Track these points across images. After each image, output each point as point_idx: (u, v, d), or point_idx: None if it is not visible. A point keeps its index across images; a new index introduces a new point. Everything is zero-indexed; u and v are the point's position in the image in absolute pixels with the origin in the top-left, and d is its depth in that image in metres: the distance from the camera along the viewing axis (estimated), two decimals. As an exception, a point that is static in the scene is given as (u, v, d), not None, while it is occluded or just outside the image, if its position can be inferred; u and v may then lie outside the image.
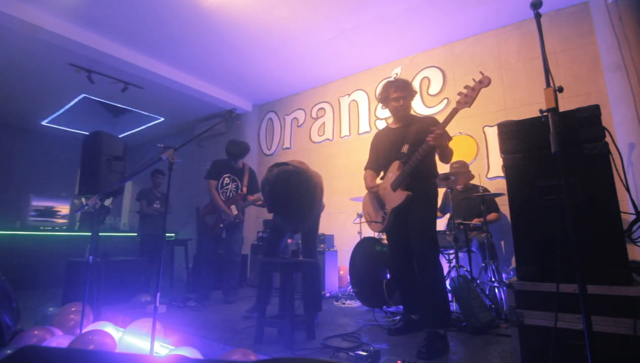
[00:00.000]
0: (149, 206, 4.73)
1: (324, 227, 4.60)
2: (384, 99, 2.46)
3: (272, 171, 2.31)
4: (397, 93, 2.37)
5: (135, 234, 5.00)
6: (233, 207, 3.41)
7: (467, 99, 1.98)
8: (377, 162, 2.54)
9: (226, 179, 3.54)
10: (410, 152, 2.22)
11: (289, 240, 2.45)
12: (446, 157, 2.25)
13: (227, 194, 3.49)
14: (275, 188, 2.25)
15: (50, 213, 5.57)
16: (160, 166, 4.57)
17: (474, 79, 1.97)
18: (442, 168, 2.61)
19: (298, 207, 2.28)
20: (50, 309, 2.81)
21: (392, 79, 2.58)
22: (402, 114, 2.42)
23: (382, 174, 2.51)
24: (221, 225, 3.40)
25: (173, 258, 5.25)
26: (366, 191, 2.52)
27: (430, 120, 2.34)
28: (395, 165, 2.30)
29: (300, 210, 2.32)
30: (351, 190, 4.55)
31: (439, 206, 3.79)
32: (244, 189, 3.49)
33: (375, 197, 2.41)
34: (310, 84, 5.61)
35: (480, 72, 1.96)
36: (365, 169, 2.59)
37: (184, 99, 5.80)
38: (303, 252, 2.96)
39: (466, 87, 2.00)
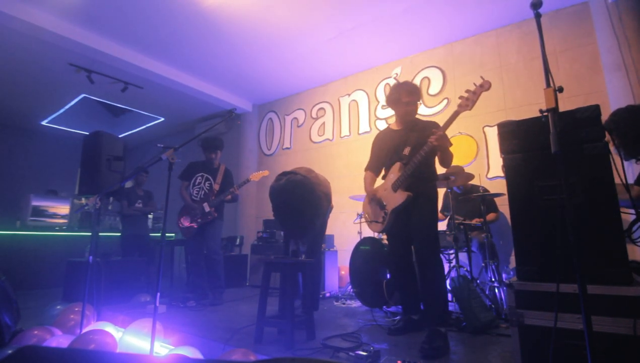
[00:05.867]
0: (130, 206, 4.57)
1: (324, 227, 4.60)
2: (395, 100, 2.42)
3: (279, 181, 2.41)
4: (410, 98, 2.36)
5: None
6: (206, 204, 3.43)
7: (468, 102, 2.02)
8: (378, 163, 2.55)
9: (199, 178, 3.58)
10: (412, 155, 2.24)
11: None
12: (446, 160, 2.28)
13: (200, 193, 3.53)
14: (279, 198, 2.37)
15: (51, 213, 5.57)
16: (154, 165, 4.55)
17: (474, 83, 2.02)
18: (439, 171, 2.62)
19: (299, 219, 2.36)
20: (58, 307, 2.81)
21: (401, 80, 2.57)
22: (409, 118, 2.43)
23: (382, 174, 2.52)
24: (195, 224, 3.42)
25: (173, 258, 5.25)
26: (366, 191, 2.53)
27: (433, 124, 2.39)
28: (397, 166, 2.32)
29: (301, 223, 2.38)
30: (351, 190, 4.55)
31: (440, 207, 3.80)
32: (216, 187, 3.50)
33: (375, 197, 2.42)
34: (311, 84, 5.61)
35: (481, 77, 2.01)
36: (366, 169, 2.60)
37: (184, 99, 5.80)
38: (306, 251, 3.00)
39: (467, 90, 2.04)
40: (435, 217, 2.31)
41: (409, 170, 2.21)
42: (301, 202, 2.32)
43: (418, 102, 2.43)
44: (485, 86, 1.98)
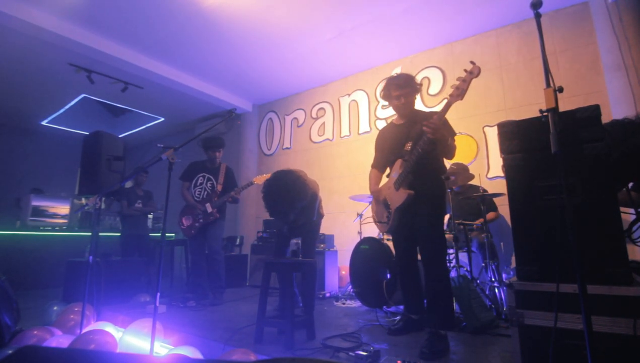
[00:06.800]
0: (130, 206, 4.59)
1: (324, 227, 4.60)
2: (387, 97, 2.40)
3: (272, 176, 2.61)
4: (398, 91, 2.31)
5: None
6: (208, 205, 3.42)
7: (459, 91, 1.93)
8: (383, 160, 2.52)
9: (200, 178, 3.57)
10: (413, 150, 2.17)
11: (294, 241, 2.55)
12: (448, 151, 2.20)
13: (202, 193, 3.52)
14: (267, 188, 2.50)
15: (51, 213, 5.57)
16: (154, 165, 4.56)
17: (465, 70, 1.93)
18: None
19: (281, 202, 2.44)
20: (55, 307, 2.81)
21: (394, 74, 2.50)
22: (405, 111, 2.38)
23: (388, 171, 2.50)
24: (197, 224, 3.42)
25: (173, 258, 5.25)
26: (368, 191, 2.52)
27: (434, 115, 2.29)
28: (398, 163, 2.27)
29: (282, 207, 2.44)
30: (351, 190, 4.54)
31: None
32: (219, 187, 3.50)
33: (381, 197, 2.40)
34: (310, 84, 5.61)
35: (471, 62, 1.92)
36: (372, 167, 2.58)
37: (184, 99, 5.80)
38: (302, 252, 3.01)
39: (458, 78, 1.95)
40: (441, 215, 2.22)
41: (408, 166, 2.14)
42: (284, 187, 2.43)
43: (414, 94, 2.36)
44: (474, 72, 1.88)
